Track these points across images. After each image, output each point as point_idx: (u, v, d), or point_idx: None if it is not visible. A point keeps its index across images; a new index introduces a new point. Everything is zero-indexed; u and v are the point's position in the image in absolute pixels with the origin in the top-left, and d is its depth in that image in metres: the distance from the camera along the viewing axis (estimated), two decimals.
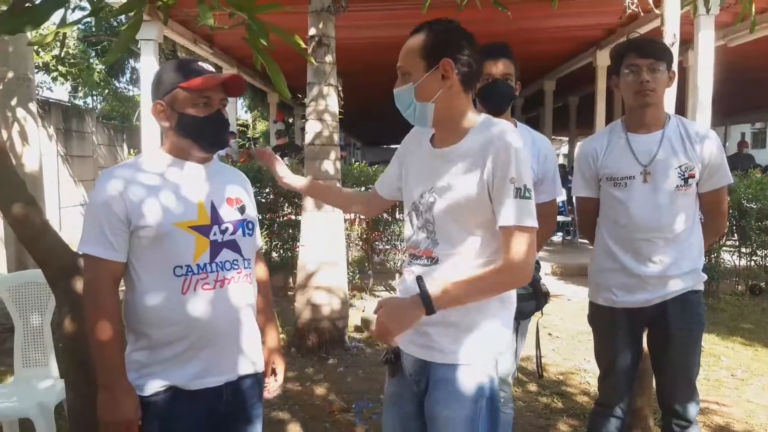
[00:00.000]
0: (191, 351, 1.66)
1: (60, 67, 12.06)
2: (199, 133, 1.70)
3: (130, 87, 17.95)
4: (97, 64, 14.88)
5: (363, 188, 6.25)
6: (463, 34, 1.68)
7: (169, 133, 1.73)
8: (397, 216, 6.55)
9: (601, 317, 2.44)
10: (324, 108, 4.28)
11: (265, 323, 1.96)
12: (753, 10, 2.89)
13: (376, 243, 6.70)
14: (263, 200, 6.43)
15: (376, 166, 7.52)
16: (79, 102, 15.14)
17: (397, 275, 6.55)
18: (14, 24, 1.94)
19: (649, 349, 2.41)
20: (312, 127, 4.35)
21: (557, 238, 9.84)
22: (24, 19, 1.95)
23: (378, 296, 6.38)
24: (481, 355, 1.65)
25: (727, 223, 2.45)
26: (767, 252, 6.50)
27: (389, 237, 6.69)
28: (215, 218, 1.71)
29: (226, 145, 1.84)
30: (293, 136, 16.34)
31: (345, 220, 5.43)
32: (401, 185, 1.86)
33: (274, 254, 6.51)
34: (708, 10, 2.89)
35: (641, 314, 2.32)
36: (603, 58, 9.47)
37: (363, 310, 5.57)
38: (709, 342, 4.74)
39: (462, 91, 1.65)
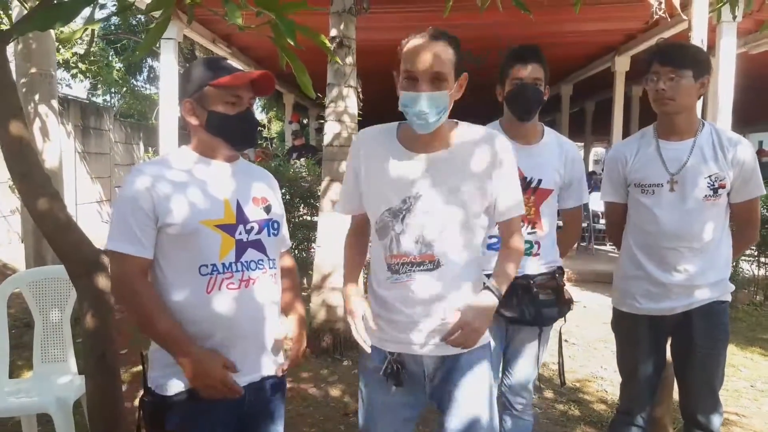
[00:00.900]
0: (213, 350, 1.65)
1: (80, 65, 12.16)
2: (230, 131, 1.71)
3: (148, 85, 18.09)
4: (116, 62, 15.01)
5: None
6: None
7: (197, 131, 1.73)
8: None
9: (624, 324, 2.42)
10: (343, 109, 4.28)
11: (291, 313, 1.91)
12: None
13: None
14: None
15: None
16: (98, 100, 15.25)
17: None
18: (44, 20, 1.95)
19: (673, 358, 2.38)
20: (331, 128, 4.35)
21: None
22: (54, 15, 1.96)
23: None
24: (485, 338, 1.83)
25: (758, 234, 2.39)
26: None
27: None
28: (241, 217, 1.71)
29: (255, 144, 1.85)
30: (308, 137, 16.37)
31: None
32: (362, 194, 1.82)
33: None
34: (735, 17, 2.86)
35: (665, 322, 2.29)
36: (621, 64, 9.40)
37: None
38: (728, 352, 4.64)
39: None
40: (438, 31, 1.68)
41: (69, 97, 11.11)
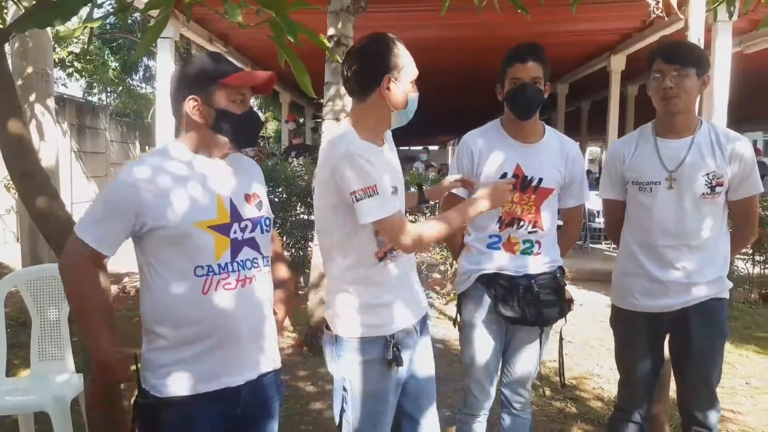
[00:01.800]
0: (211, 351, 1.65)
1: (76, 63, 12.13)
2: (237, 130, 1.69)
3: (143, 84, 18.04)
4: (112, 61, 14.97)
5: None
6: None
7: (199, 128, 1.69)
8: (408, 218, 6.54)
9: (622, 321, 2.43)
10: (341, 108, 4.27)
11: (280, 290, 1.95)
12: None
13: None
14: (276, 199, 6.44)
15: None
16: (94, 99, 15.22)
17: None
18: (43, 18, 1.96)
19: (671, 355, 2.39)
20: (328, 128, 4.35)
21: None
22: (52, 13, 1.96)
23: None
24: None
25: (757, 232, 2.40)
26: None
27: None
28: (235, 216, 1.70)
29: (256, 143, 1.84)
30: (304, 136, 16.35)
31: None
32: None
33: (286, 254, 6.51)
34: (731, 16, 2.87)
35: (663, 319, 2.30)
36: (617, 63, 9.43)
37: None
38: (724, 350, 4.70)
39: None
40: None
41: (65, 96, 11.08)
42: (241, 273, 1.68)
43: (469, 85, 10.94)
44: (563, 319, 2.35)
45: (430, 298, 6.32)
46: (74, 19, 2.29)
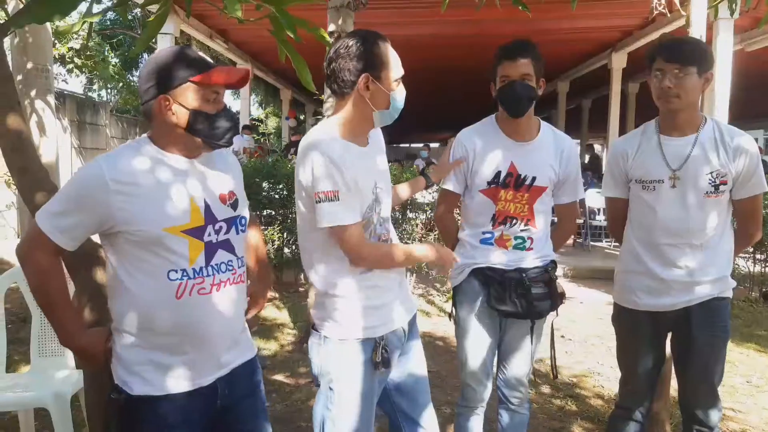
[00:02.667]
0: (184, 354, 1.62)
1: (76, 60, 12.12)
2: (214, 131, 1.61)
3: None
4: (112, 57, 14.96)
5: None
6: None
7: (170, 129, 1.60)
8: (408, 215, 6.55)
9: (624, 319, 2.42)
10: None
11: (259, 280, 2.03)
12: None
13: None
14: (277, 196, 6.43)
15: (390, 164, 7.50)
16: (94, 95, 15.21)
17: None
18: (42, 13, 1.95)
19: (673, 353, 2.38)
20: None
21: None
22: (51, 8, 1.95)
23: None
24: None
25: (761, 232, 2.38)
26: None
27: (400, 235, 6.68)
28: (209, 218, 1.64)
29: (232, 142, 1.72)
30: (304, 133, 16.35)
31: None
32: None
33: (286, 250, 6.52)
34: (732, 13, 2.85)
35: (665, 318, 2.29)
36: (618, 61, 9.43)
37: None
38: None
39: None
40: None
41: (65, 92, 11.07)
42: (215, 277, 1.63)
43: (469, 82, 10.93)
44: (555, 312, 2.36)
45: (431, 295, 6.32)
46: (74, 15, 2.27)
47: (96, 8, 2.34)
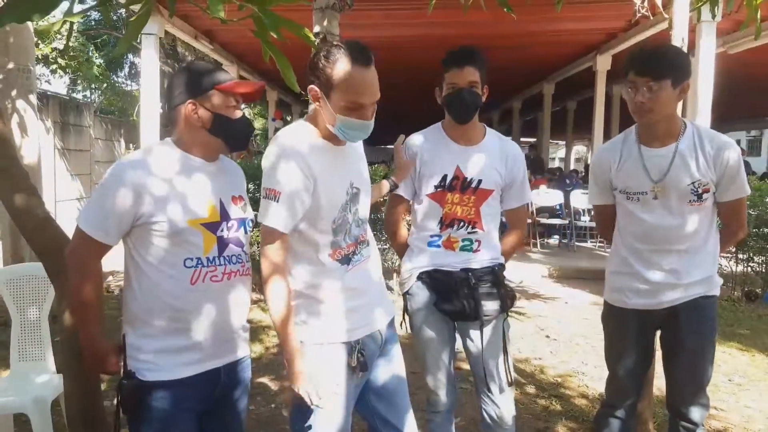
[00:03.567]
0: (197, 338, 1.76)
1: (60, 60, 11.99)
2: (232, 134, 1.82)
3: (128, 81, 17.89)
4: (96, 58, 14.82)
5: None
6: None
7: (195, 131, 1.79)
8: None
9: (612, 317, 2.43)
10: None
11: None
12: (759, 16, 2.88)
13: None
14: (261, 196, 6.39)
15: (374, 165, 7.49)
16: (78, 96, 15.05)
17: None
18: (22, 12, 1.92)
19: (662, 351, 2.40)
20: None
21: (554, 241, 9.84)
22: (32, 6, 1.93)
23: None
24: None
25: (746, 231, 2.41)
26: (764, 258, 6.51)
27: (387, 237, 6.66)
28: (224, 216, 1.82)
29: (247, 147, 1.98)
30: None
31: None
32: (318, 205, 1.84)
33: None
34: (714, 16, 2.87)
35: (653, 317, 2.30)
36: (603, 63, 9.48)
37: None
38: None
39: None
40: (367, 50, 1.78)
41: (48, 92, 10.94)
42: (227, 267, 1.79)
43: (416, 89, 10.97)
44: (505, 314, 2.35)
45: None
46: (58, 14, 2.25)
47: (78, 8, 2.31)
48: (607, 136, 10.12)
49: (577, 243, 9.25)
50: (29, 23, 4.37)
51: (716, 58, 6.55)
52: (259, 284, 6.40)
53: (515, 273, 2.29)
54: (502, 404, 2.36)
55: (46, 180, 7.02)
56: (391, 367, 2.04)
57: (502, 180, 2.39)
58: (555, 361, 4.46)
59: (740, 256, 6.61)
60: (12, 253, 5.08)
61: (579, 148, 28.75)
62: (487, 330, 2.32)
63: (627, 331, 2.37)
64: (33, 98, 4.98)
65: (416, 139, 2.47)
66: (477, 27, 7.33)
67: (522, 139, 20.62)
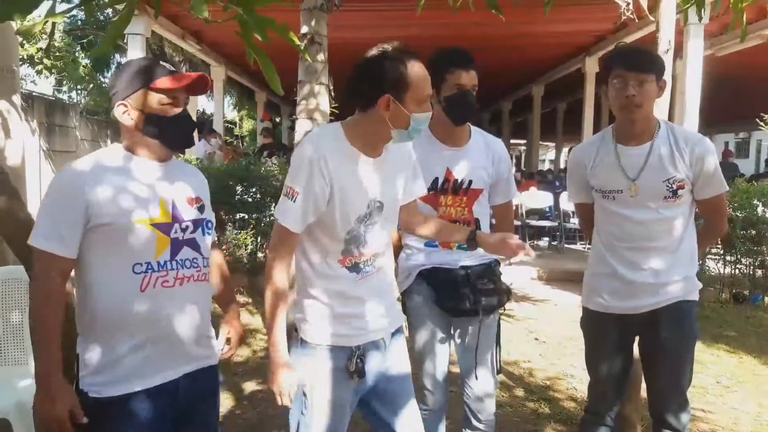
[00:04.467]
0: (148, 348, 1.67)
1: (45, 60, 11.88)
2: (167, 133, 1.72)
3: None
4: (82, 58, 14.70)
5: None
6: None
7: (132, 132, 1.72)
8: None
9: (591, 322, 2.43)
10: (315, 107, 4.22)
11: (227, 303, 2.06)
12: (744, 20, 2.89)
13: None
14: (250, 199, 6.37)
15: None
16: (63, 96, 14.91)
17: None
18: (2, 11, 1.88)
19: (641, 357, 2.39)
20: (302, 126, 4.29)
21: (543, 243, 9.86)
22: (12, 7, 1.89)
23: None
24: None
25: (726, 224, 2.43)
26: (752, 260, 6.54)
27: None
28: (176, 216, 1.73)
29: (192, 144, 1.86)
30: (280, 136, 16.31)
31: None
32: (333, 208, 1.78)
33: (260, 254, 6.45)
34: (701, 19, 2.89)
35: (632, 321, 2.30)
36: (592, 65, 9.53)
37: None
38: (695, 349, 4.76)
39: None
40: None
41: (34, 93, 10.85)
42: (179, 272, 1.71)
43: None
44: (502, 308, 2.43)
45: None
46: (43, 14, 2.21)
47: (60, 7, 2.28)
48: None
49: (566, 245, 9.27)
50: (12, 23, 4.31)
51: (704, 60, 6.59)
52: (247, 287, 6.35)
53: (504, 275, 2.31)
54: (486, 388, 2.41)
55: (32, 182, 6.94)
56: (394, 372, 1.99)
57: (490, 178, 2.43)
58: (544, 364, 4.46)
59: (728, 258, 6.64)
60: None
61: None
62: (484, 324, 2.37)
63: (606, 337, 2.37)
64: (17, 99, 4.90)
65: None
66: (466, 28, 7.33)
67: (512, 141, 20.68)
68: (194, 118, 1.82)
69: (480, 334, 2.36)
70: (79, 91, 16.11)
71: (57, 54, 12.18)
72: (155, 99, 1.69)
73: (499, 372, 2.46)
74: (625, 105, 2.17)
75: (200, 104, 20.99)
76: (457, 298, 2.31)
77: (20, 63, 5.18)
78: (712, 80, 7.78)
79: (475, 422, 2.44)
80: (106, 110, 15.17)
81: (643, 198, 2.21)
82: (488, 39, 8.08)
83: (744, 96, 13.55)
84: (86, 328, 1.67)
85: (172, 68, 1.74)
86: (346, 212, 1.78)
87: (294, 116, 4.45)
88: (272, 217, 6.48)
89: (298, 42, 2.30)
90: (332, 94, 4.44)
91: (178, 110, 1.72)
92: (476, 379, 2.40)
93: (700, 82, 6.37)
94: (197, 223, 1.78)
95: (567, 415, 3.51)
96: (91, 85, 15.62)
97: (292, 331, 1.95)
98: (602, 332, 2.38)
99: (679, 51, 6.95)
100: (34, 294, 1.63)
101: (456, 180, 2.37)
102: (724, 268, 6.68)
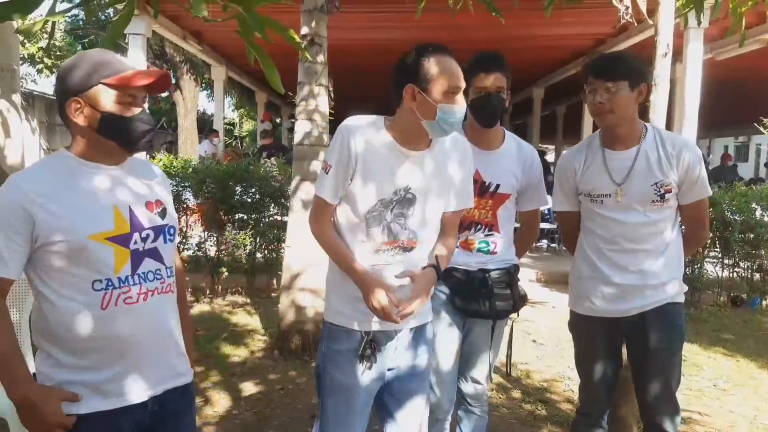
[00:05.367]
0: (112, 369, 1.56)
1: (46, 60, 11.88)
2: (126, 134, 1.56)
3: None
4: None
5: None
6: None
7: (85, 133, 1.56)
8: None
9: (580, 326, 2.45)
10: (314, 108, 4.24)
11: (181, 307, 1.82)
12: (744, 24, 2.91)
13: None
14: (249, 200, 6.36)
15: None
16: None
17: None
18: (2, 12, 1.90)
19: (629, 360, 2.41)
20: (301, 127, 4.31)
21: (542, 244, 9.86)
22: (13, 7, 1.90)
23: None
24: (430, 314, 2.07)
25: (709, 234, 2.46)
26: (750, 264, 6.55)
27: None
28: (135, 225, 1.59)
29: (151, 146, 1.75)
30: (280, 136, 16.31)
31: None
32: (354, 184, 1.87)
33: (258, 255, 6.45)
34: (700, 23, 2.90)
35: (620, 324, 2.31)
36: None
37: None
38: (692, 352, 4.77)
39: None
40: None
41: (34, 92, 10.85)
42: (143, 286, 1.58)
43: None
44: (516, 314, 2.44)
45: None
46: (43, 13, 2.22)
47: (60, 7, 2.29)
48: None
49: (564, 247, 9.25)
50: (12, 22, 4.32)
51: (704, 64, 6.59)
52: (246, 288, 6.30)
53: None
54: (480, 389, 2.49)
55: None
56: (408, 367, 2.00)
57: (518, 184, 2.43)
58: (541, 366, 4.46)
59: (726, 261, 6.65)
60: None
61: None
62: (496, 327, 2.41)
63: (595, 340, 2.39)
64: (17, 98, 4.91)
65: None
66: (466, 31, 7.34)
67: None
68: (151, 118, 1.63)
69: (493, 337, 2.40)
70: None
71: (58, 53, 12.18)
72: (115, 96, 1.53)
73: (508, 375, 2.52)
74: (595, 112, 2.22)
75: (201, 105, 21.00)
76: (473, 300, 2.33)
77: (21, 62, 5.18)
78: (712, 84, 7.79)
79: (469, 405, 2.51)
80: None
81: (630, 201, 2.23)
82: (488, 42, 8.07)
83: (744, 100, 13.56)
84: (45, 344, 1.56)
85: (129, 63, 1.61)
86: (368, 191, 1.84)
87: (294, 117, 4.46)
88: (271, 218, 6.50)
89: (298, 39, 2.31)
90: (331, 95, 4.46)
91: (137, 110, 1.57)
92: (475, 379, 2.46)
93: (700, 86, 6.36)
94: (158, 231, 1.63)
95: (564, 417, 3.51)
96: None
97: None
98: (590, 336, 2.40)
99: (678, 55, 6.95)
100: None
101: (483, 182, 2.36)
102: (722, 271, 6.68)
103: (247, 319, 5.46)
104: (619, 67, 2.20)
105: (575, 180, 2.37)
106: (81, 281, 1.51)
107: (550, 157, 17.70)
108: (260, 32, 1.96)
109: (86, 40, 14.80)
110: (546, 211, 9.90)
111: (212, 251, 6.39)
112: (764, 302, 6.56)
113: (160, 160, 6.38)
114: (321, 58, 4.22)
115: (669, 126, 2.63)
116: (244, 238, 6.26)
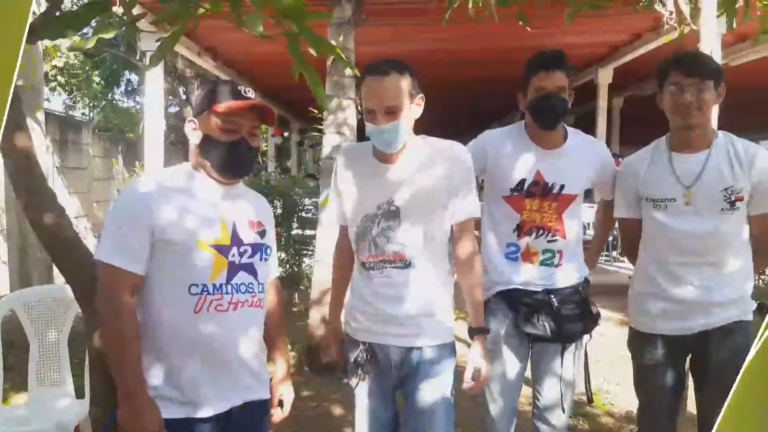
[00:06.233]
0: (203, 372, 1.64)
1: (59, 78, 11.94)
2: (219, 158, 1.68)
3: (125, 99, 17.82)
4: (96, 75, 14.75)
5: None
6: None
7: (195, 150, 1.73)
8: None
9: (639, 343, 2.32)
10: (343, 121, 4.22)
11: (277, 353, 1.96)
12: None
13: None
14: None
15: None
16: (76, 114, 14.97)
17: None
18: (55, 29, 1.89)
19: (693, 377, 2.29)
20: (329, 140, 4.29)
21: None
22: (65, 23, 1.89)
23: None
24: (450, 336, 2.01)
25: None
26: None
27: None
28: (236, 239, 1.70)
29: (248, 174, 1.86)
30: (288, 150, 16.33)
31: None
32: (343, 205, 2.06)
33: (281, 269, 6.42)
34: (731, 29, 2.88)
35: (682, 343, 2.19)
36: (604, 76, 9.51)
37: None
38: None
39: None
40: (388, 63, 1.88)
41: (48, 110, 10.87)
42: (234, 296, 1.67)
43: (475, 95, 10.92)
44: (589, 335, 2.29)
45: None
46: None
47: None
48: (608, 148, 10.12)
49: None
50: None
51: None
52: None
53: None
54: (558, 421, 2.35)
55: None
56: (418, 404, 1.93)
57: (589, 182, 2.34)
58: (578, 378, 4.38)
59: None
60: (20, 275, 4.99)
61: None
62: (568, 353, 2.25)
63: (656, 359, 2.25)
64: (41, 116, 4.93)
65: (495, 135, 2.37)
66: (484, 40, 7.32)
67: None
68: (250, 149, 1.73)
69: (563, 365, 2.26)
70: (91, 109, 16.19)
71: (72, 72, 12.23)
72: (215, 122, 1.66)
73: (590, 402, 2.46)
74: (680, 112, 2.11)
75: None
76: (540, 324, 2.18)
77: (43, 80, 5.20)
78: (727, 89, 7.76)
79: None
80: (117, 126, 15.24)
81: (698, 208, 2.11)
82: (509, 51, 8.08)
83: (754, 106, 13.52)
84: (146, 347, 1.63)
85: (247, 94, 1.71)
86: (354, 209, 1.97)
87: (304, 131, 4.45)
88: (293, 231, 6.47)
89: (345, 57, 2.28)
90: (359, 108, 4.44)
91: (235, 137, 1.67)
92: (547, 420, 2.34)
93: None
94: (256, 248, 1.75)
95: (606, 431, 3.44)
96: (104, 102, 15.68)
97: None
98: (650, 354, 2.26)
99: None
100: (104, 311, 1.61)
101: (546, 183, 2.22)
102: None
103: None
104: (707, 66, 2.14)
105: (637, 183, 2.25)
106: (179, 284, 1.61)
107: None
108: (316, 49, 1.94)
109: (97, 59, 14.87)
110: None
111: None
112: None
113: None
114: (349, 71, 4.20)
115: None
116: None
